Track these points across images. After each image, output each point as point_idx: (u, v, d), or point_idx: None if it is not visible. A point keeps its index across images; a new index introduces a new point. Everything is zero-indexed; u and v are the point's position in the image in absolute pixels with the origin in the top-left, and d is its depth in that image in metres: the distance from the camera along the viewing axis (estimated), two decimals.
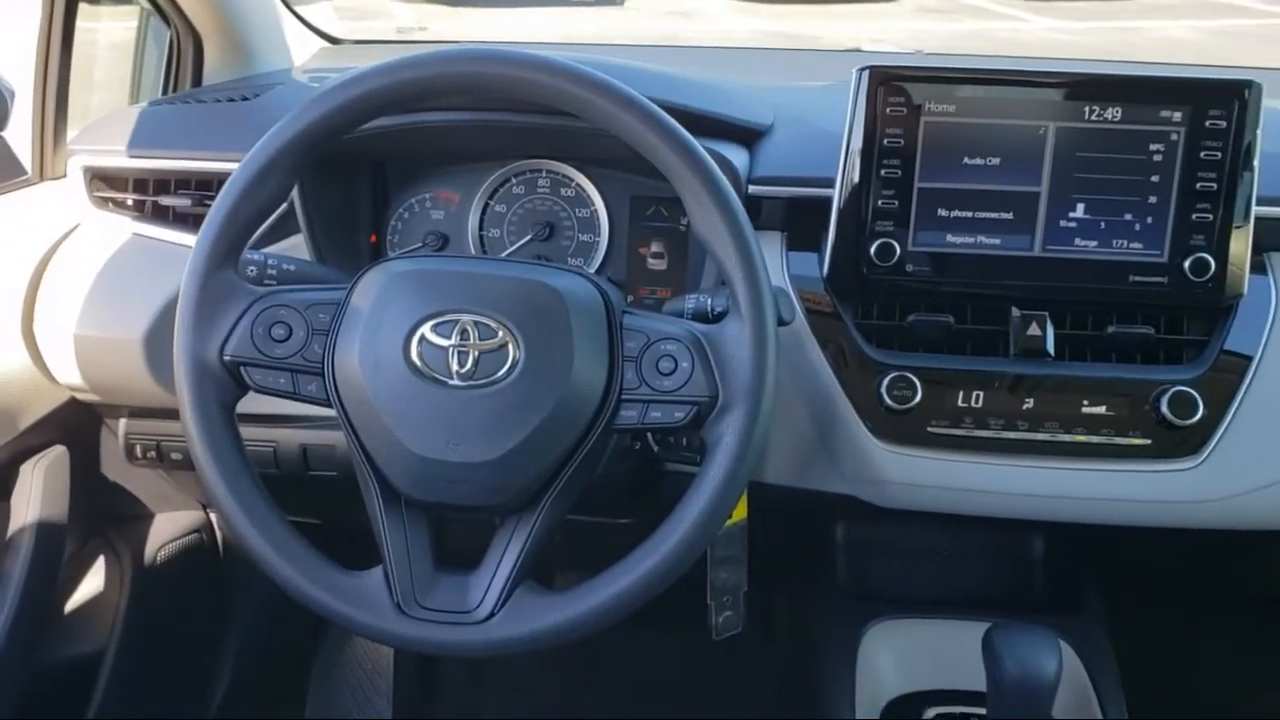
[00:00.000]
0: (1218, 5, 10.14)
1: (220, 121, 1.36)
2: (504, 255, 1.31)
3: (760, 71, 1.67)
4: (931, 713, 1.30)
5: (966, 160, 1.10)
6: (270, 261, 1.05)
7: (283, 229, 1.24)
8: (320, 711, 1.84)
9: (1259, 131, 1.06)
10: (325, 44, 1.84)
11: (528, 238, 1.31)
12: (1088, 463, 1.11)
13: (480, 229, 1.32)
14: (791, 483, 1.19)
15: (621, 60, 1.13)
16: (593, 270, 1.30)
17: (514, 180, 1.31)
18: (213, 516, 1.63)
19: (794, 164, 1.20)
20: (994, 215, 1.11)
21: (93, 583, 1.44)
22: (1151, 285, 1.10)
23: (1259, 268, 1.13)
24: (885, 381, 1.10)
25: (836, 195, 1.12)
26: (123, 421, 1.35)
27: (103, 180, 1.33)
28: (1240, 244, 1.08)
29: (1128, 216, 1.09)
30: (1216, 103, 1.06)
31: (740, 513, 1.17)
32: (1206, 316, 1.12)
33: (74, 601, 1.41)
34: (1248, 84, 1.06)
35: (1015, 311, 1.11)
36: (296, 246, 1.25)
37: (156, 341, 1.22)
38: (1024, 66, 1.19)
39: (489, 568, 0.92)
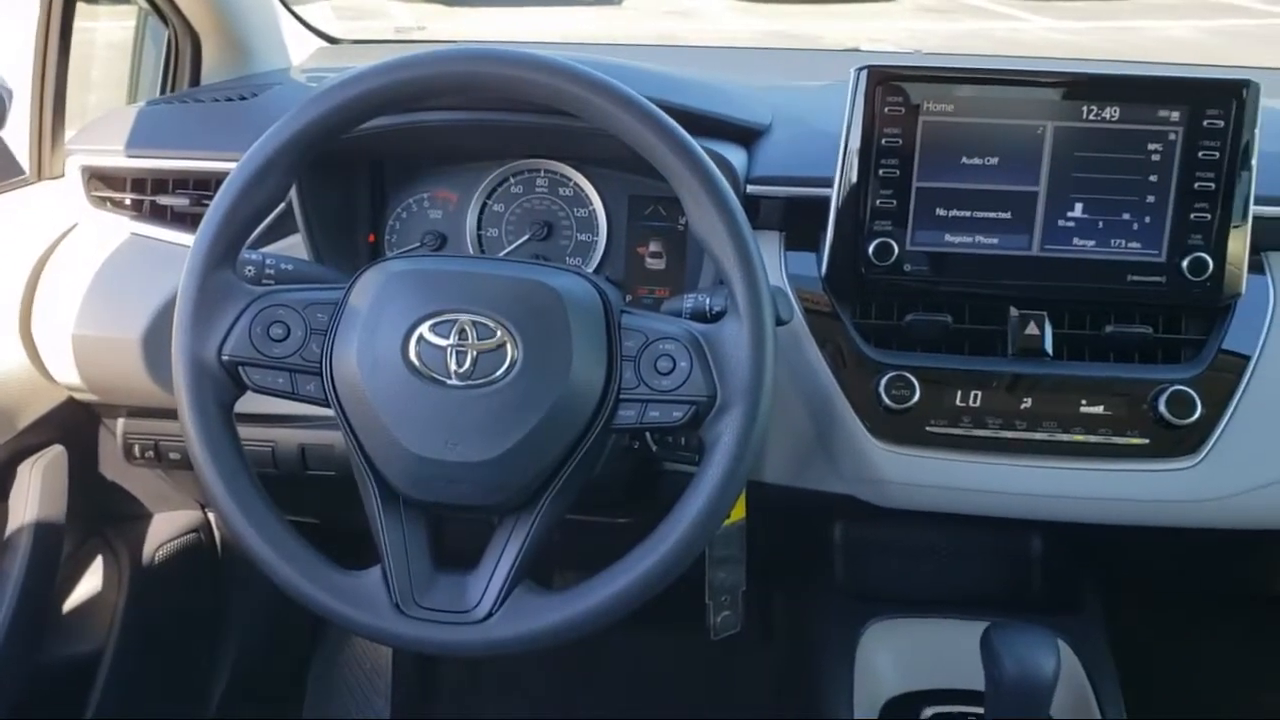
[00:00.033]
0: (1217, 5, 10.15)
1: (218, 121, 1.36)
2: (502, 255, 1.31)
3: (758, 71, 1.67)
4: (929, 712, 1.30)
5: (965, 160, 1.10)
6: (268, 261, 1.05)
7: (281, 229, 1.24)
8: (319, 711, 1.84)
9: (1257, 131, 1.07)
10: (323, 43, 1.84)
11: (526, 237, 1.31)
12: (1086, 462, 1.11)
13: (478, 228, 1.32)
14: (790, 482, 1.19)
15: (620, 60, 1.13)
16: (591, 270, 1.30)
17: (512, 180, 1.31)
18: (211, 516, 1.63)
19: (792, 164, 1.20)
20: (992, 215, 1.11)
21: (91, 582, 1.44)
22: (1149, 285, 1.10)
23: (1257, 267, 1.13)
24: (883, 381, 1.10)
25: (835, 195, 1.12)
26: (121, 421, 1.35)
27: (101, 180, 1.33)
28: (1238, 243, 1.08)
29: (1126, 216, 1.09)
30: (1214, 102, 1.06)
31: (739, 512, 1.17)
32: (1204, 316, 1.12)
33: (72, 601, 1.41)
34: (1245, 84, 1.06)
35: (1013, 311, 1.11)
36: (294, 246, 1.25)
37: (155, 341, 1.22)
38: (1022, 66, 1.19)
39: (487, 567, 0.92)
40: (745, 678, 1.85)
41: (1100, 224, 1.10)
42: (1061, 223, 1.10)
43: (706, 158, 0.90)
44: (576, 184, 1.30)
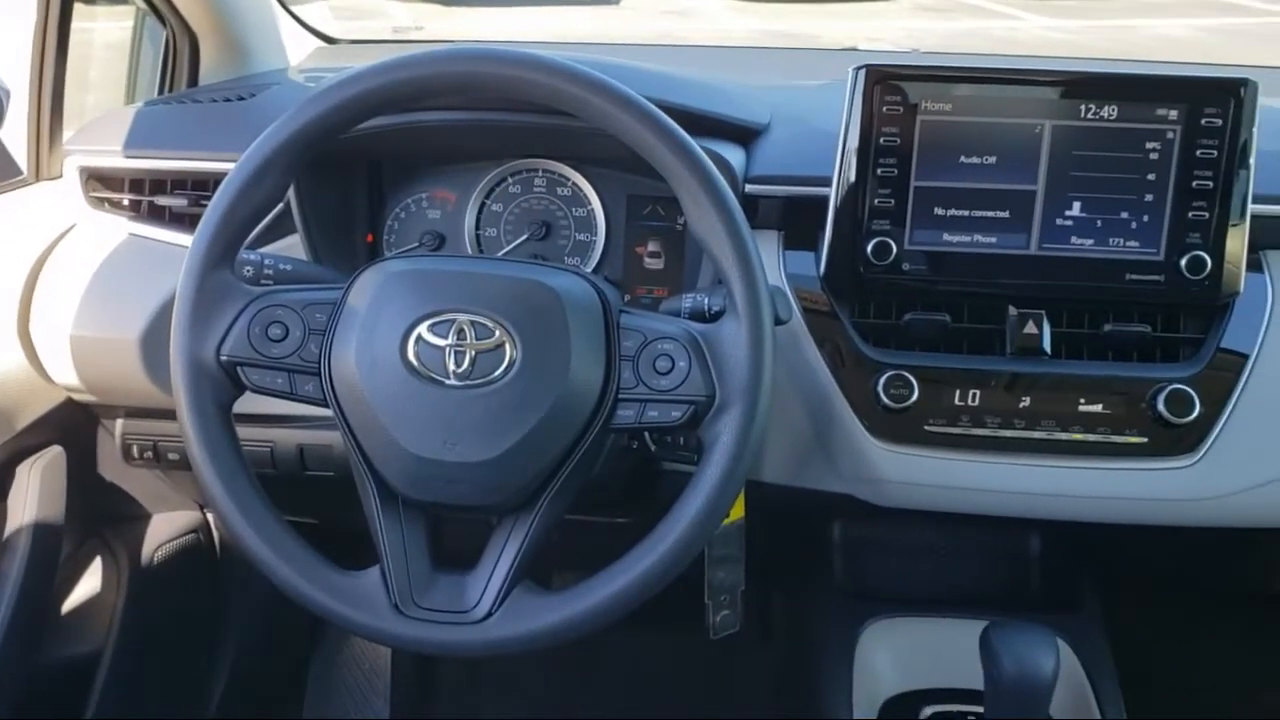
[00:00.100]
0: (1215, 4, 10.15)
1: (216, 121, 1.36)
2: (500, 255, 1.31)
3: (757, 71, 1.67)
4: (928, 711, 1.30)
5: (963, 159, 1.10)
6: (266, 261, 1.05)
7: (279, 229, 1.24)
8: (318, 712, 1.84)
9: (1255, 130, 1.07)
10: (321, 44, 1.84)
11: (524, 237, 1.31)
12: (1084, 461, 1.11)
13: (477, 228, 1.32)
14: (789, 482, 1.19)
15: (618, 59, 1.13)
16: (590, 270, 1.30)
17: (510, 180, 1.31)
18: (210, 517, 1.63)
19: (791, 163, 1.20)
20: (990, 214, 1.11)
21: (90, 583, 1.44)
22: (1148, 283, 1.10)
23: (1255, 265, 1.13)
24: (882, 380, 1.10)
25: (833, 194, 1.12)
26: (119, 422, 1.35)
27: (99, 180, 1.33)
28: (1236, 242, 1.08)
29: (1124, 215, 1.10)
30: (1212, 101, 1.07)
31: (737, 512, 1.17)
32: (1203, 314, 1.12)
33: (71, 602, 1.41)
34: (1243, 82, 1.06)
35: (1012, 310, 1.11)
36: (293, 246, 1.25)
37: (153, 342, 1.22)
38: (1020, 65, 1.19)
39: (486, 567, 0.92)
40: (744, 677, 1.85)
41: (1098, 223, 1.10)
42: (1060, 221, 1.10)
43: (705, 157, 0.90)
44: (575, 184, 1.30)
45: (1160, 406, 1.08)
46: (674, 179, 0.91)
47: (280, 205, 1.03)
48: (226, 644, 1.67)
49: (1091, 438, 1.11)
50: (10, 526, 1.25)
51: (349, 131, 0.96)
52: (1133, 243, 1.10)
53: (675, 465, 1.19)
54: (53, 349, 1.26)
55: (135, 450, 1.35)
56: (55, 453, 1.31)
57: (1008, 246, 1.11)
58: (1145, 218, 1.09)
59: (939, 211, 1.11)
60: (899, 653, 1.37)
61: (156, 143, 1.32)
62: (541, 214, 1.31)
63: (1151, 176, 1.08)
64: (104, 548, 1.46)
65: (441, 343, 0.89)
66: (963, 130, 1.09)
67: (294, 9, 1.76)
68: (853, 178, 1.11)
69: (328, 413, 0.93)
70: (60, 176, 1.36)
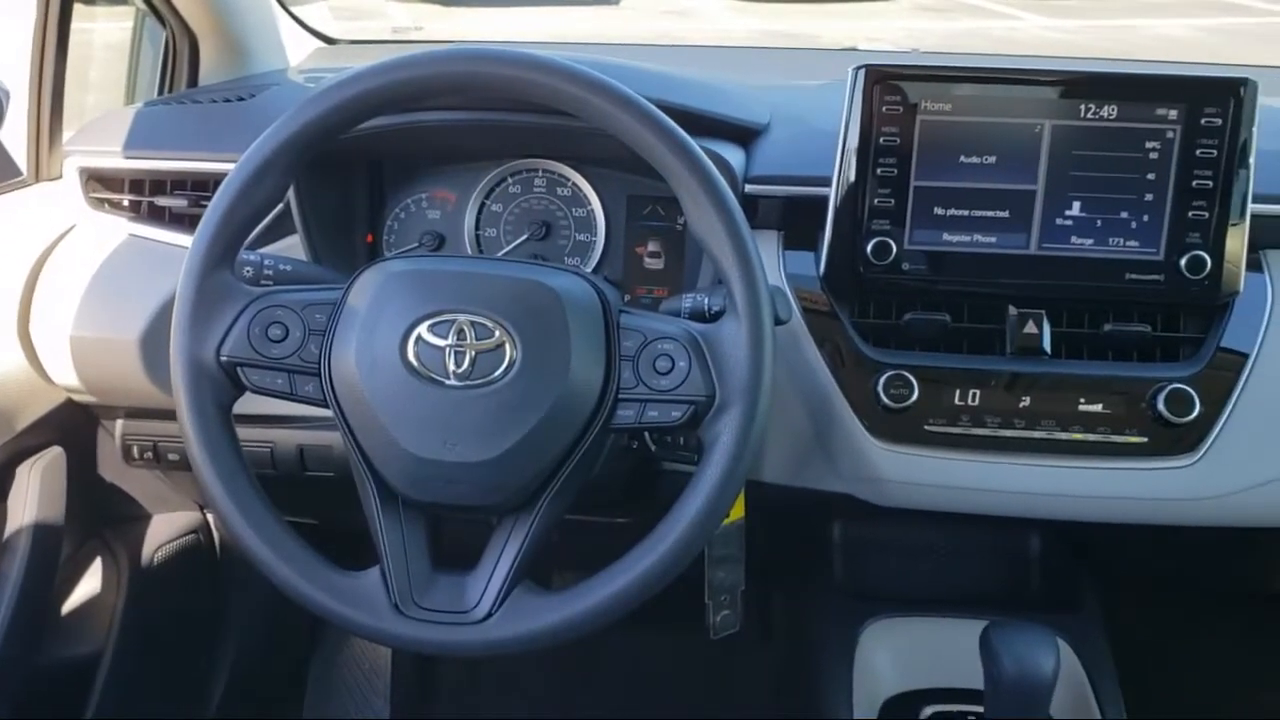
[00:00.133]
0: (1215, 3, 10.15)
1: (216, 122, 1.36)
2: (500, 255, 1.31)
3: (757, 71, 1.67)
4: (929, 711, 1.30)
5: (962, 159, 1.10)
6: (266, 262, 1.05)
7: (279, 229, 1.24)
8: (318, 712, 1.84)
9: (1255, 129, 1.07)
10: (321, 44, 1.84)
11: (524, 237, 1.31)
12: (1084, 460, 1.11)
13: (476, 229, 1.32)
14: (789, 481, 1.19)
15: (618, 60, 1.13)
16: (589, 270, 1.30)
17: (510, 180, 1.31)
18: (210, 517, 1.63)
19: (790, 163, 1.20)
20: (990, 214, 1.11)
21: (90, 584, 1.44)
22: (1148, 283, 1.10)
23: (1255, 265, 1.13)
24: (882, 380, 1.10)
25: (833, 194, 1.12)
26: (119, 422, 1.35)
27: (98, 181, 1.33)
28: (1236, 241, 1.08)
29: (1124, 214, 1.10)
30: (1212, 100, 1.07)
31: (737, 512, 1.17)
32: (1203, 314, 1.12)
33: (71, 602, 1.41)
34: (1243, 81, 1.06)
35: (1012, 310, 1.11)
36: (293, 247, 1.25)
37: (153, 342, 1.22)
38: (1020, 65, 1.19)
39: (486, 568, 0.92)
40: (744, 677, 1.85)
41: (1098, 222, 1.10)
42: (1059, 221, 1.10)
43: (705, 157, 0.90)
44: (575, 184, 1.30)
45: (1160, 406, 1.08)
46: (674, 179, 0.91)
47: (280, 206, 1.03)
48: (226, 644, 1.67)
49: (1091, 437, 1.11)
50: (10, 527, 1.25)
51: (349, 132, 0.96)
52: (1132, 242, 1.10)
53: (675, 465, 1.19)
54: (53, 350, 1.26)
55: (135, 451, 1.35)
56: (55, 453, 1.31)
57: (1007, 246, 1.11)
58: (1145, 217, 1.09)
59: (939, 211, 1.11)
60: (899, 652, 1.37)
61: (156, 143, 1.32)
62: (541, 214, 1.31)
63: (1151, 176, 1.08)
64: (104, 548, 1.46)
65: (441, 343, 0.89)
66: (962, 130, 1.09)
67: (293, 9, 1.76)
68: (852, 177, 1.11)
69: (328, 413, 0.93)
70: (60, 177, 1.36)
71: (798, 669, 1.62)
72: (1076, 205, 1.10)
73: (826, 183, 1.12)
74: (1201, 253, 1.08)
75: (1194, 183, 1.08)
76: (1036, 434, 1.11)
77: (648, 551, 0.88)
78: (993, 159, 1.10)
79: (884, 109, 1.09)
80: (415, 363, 0.89)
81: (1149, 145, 1.08)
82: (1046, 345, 1.09)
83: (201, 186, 1.29)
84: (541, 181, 1.31)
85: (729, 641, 1.22)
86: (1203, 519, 1.14)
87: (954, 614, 1.37)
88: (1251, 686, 1.67)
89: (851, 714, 1.32)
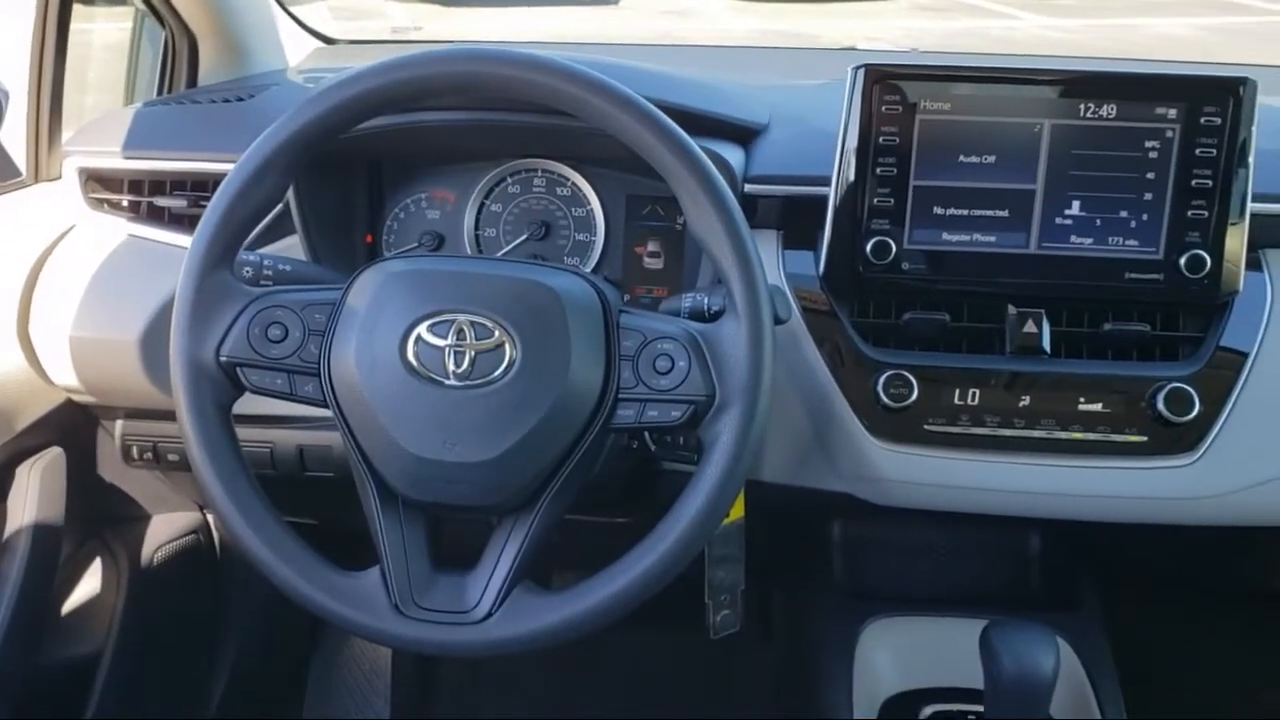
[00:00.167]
0: (1215, 2, 10.14)
1: (215, 122, 1.36)
2: (500, 255, 1.31)
3: (756, 70, 1.67)
4: (928, 710, 1.30)
5: (962, 158, 1.10)
6: (266, 262, 1.05)
7: (278, 229, 1.24)
8: (318, 712, 1.84)
9: (1254, 128, 1.07)
10: (320, 44, 1.84)
11: (523, 237, 1.31)
12: (1084, 460, 1.11)
13: (476, 229, 1.32)
14: (788, 481, 1.19)
15: (617, 59, 1.13)
16: (589, 270, 1.30)
17: (510, 180, 1.31)
18: (209, 518, 1.63)
19: (790, 163, 1.20)
20: (989, 213, 1.11)
21: (90, 584, 1.44)
22: (1147, 282, 1.10)
23: (1254, 264, 1.13)
24: (881, 380, 1.10)
25: (832, 194, 1.12)
26: (119, 423, 1.35)
27: (98, 181, 1.33)
28: (1236, 241, 1.08)
29: (1123, 213, 1.10)
30: (1211, 99, 1.07)
31: (737, 511, 1.17)
32: (1202, 313, 1.12)
33: (71, 603, 1.41)
34: (1242, 81, 1.06)
35: (1011, 309, 1.11)
36: (292, 247, 1.25)
37: (152, 343, 1.22)
38: (1019, 64, 1.19)
39: (486, 568, 0.92)
40: (744, 677, 1.85)
41: (1098, 222, 1.10)
42: (1059, 220, 1.10)
43: (704, 157, 0.90)
44: (574, 184, 1.30)
45: (1160, 405, 1.08)
46: (673, 179, 0.91)
47: (279, 206, 1.03)
48: (226, 644, 1.67)
49: (1091, 436, 1.11)
50: (10, 528, 1.25)
51: (349, 132, 0.96)
52: (1132, 241, 1.10)
53: (675, 465, 1.19)
54: (52, 350, 1.26)
55: (135, 451, 1.35)
56: (55, 454, 1.31)
57: (1007, 245, 1.11)
58: (1144, 216, 1.09)
59: (938, 211, 1.11)
60: (899, 652, 1.37)
61: (156, 144, 1.32)
62: (541, 214, 1.31)
63: (1151, 175, 1.08)
64: (104, 549, 1.46)
65: (441, 343, 0.89)
66: (962, 129, 1.09)
67: (293, 9, 1.76)
68: (852, 177, 1.11)
69: (327, 413, 0.93)
70: (59, 177, 1.36)
71: (798, 668, 1.62)
72: (1076, 204, 1.10)
73: (826, 182, 1.12)
74: (1201, 252, 1.08)
75: (1193, 182, 1.08)
76: (1036, 433, 1.11)
77: (648, 551, 0.88)
78: (992, 158, 1.10)
79: (883, 108, 1.09)
80: (415, 363, 0.89)
81: (1148, 144, 1.08)
82: (1046, 344, 1.09)
83: (201, 187, 1.29)
84: (541, 181, 1.31)
85: (729, 641, 1.22)
86: (1202, 518, 1.14)
87: (954, 613, 1.37)
88: (1251, 685, 1.67)
89: (851, 713, 1.32)
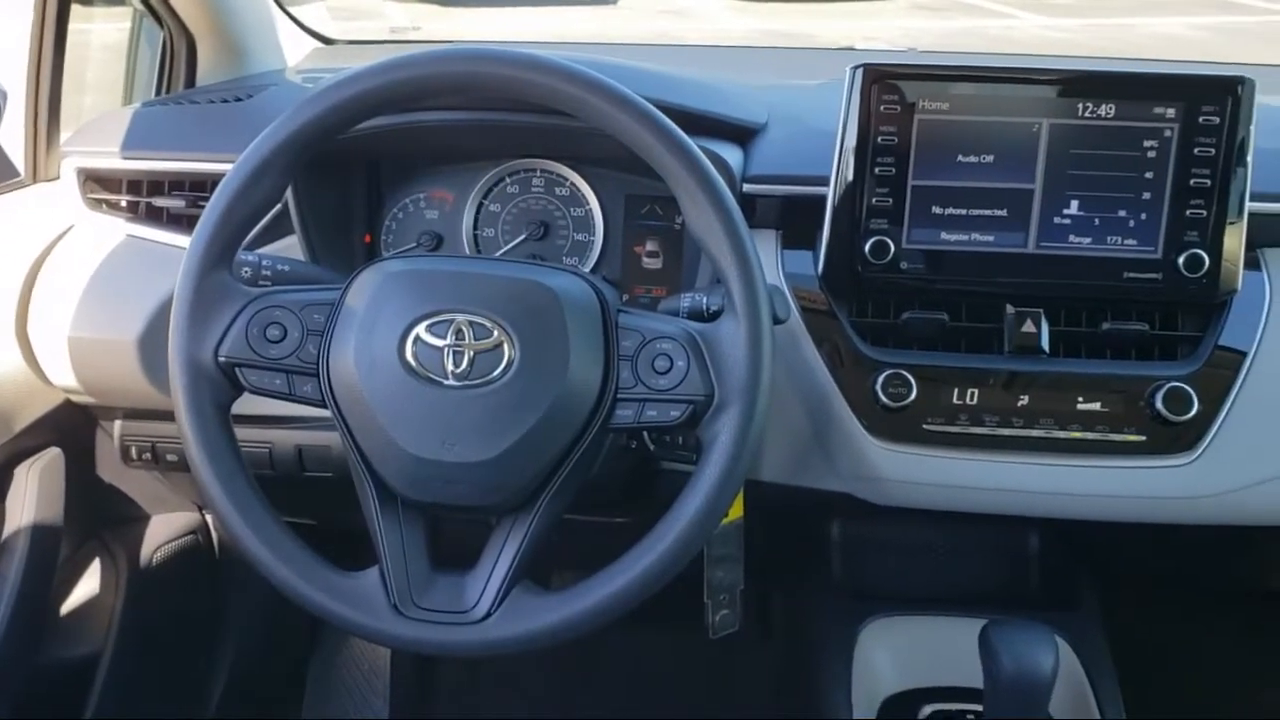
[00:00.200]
0: (1214, 2, 10.15)
1: (214, 122, 1.36)
2: (498, 255, 1.31)
3: (754, 70, 1.67)
4: (928, 710, 1.30)
5: (960, 158, 1.10)
6: (264, 262, 1.05)
7: (277, 229, 1.24)
8: (317, 712, 1.84)
9: (1252, 127, 1.07)
10: (319, 44, 1.84)
11: (522, 237, 1.31)
12: (1083, 459, 1.11)
13: (475, 228, 1.32)
14: (787, 481, 1.19)
15: (616, 59, 1.13)
16: (588, 269, 1.30)
17: (508, 180, 1.31)
18: (208, 518, 1.63)
19: (788, 162, 1.20)
20: (988, 212, 1.11)
21: (89, 585, 1.43)
22: (1146, 281, 1.10)
23: (1253, 263, 1.13)
24: (880, 379, 1.10)
25: (831, 193, 1.12)
26: (118, 423, 1.35)
27: (96, 182, 1.33)
28: (1234, 240, 1.08)
29: (1122, 213, 1.10)
30: (1210, 99, 1.07)
31: (736, 511, 1.17)
32: (1201, 312, 1.12)
33: (70, 603, 1.41)
34: (1240, 80, 1.06)
35: (1010, 308, 1.11)
36: (291, 247, 1.25)
37: (151, 343, 1.22)
38: (1017, 64, 1.19)
39: (485, 568, 0.92)
40: (744, 676, 1.85)
41: (1096, 221, 1.10)
42: (1057, 220, 1.10)
43: (703, 157, 0.90)
44: (573, 184, 1.30)
45: (1158, 404, 1.08)
46: (672, 179, 0.91)
47: (278, 206, 1.03)
48: (226, 645, 1.67)
49: (1090, 436, 1.11)
50: (9, 528, 1.25)
51: (347, 132, 0.96)
52: (1130, 241, 1.10)
53: (674, 465, 1.19)
54: (51, 350, 1.26)
55: (134, 452, 1.35)
56: (54, 454, 1.31)
57: (1006, 245, 1.11)
58: (1143, 216, 1.09)
59: (937, 210, 1.11)
60: (898, 651, 1.37)
61: (154, 144, 1.32)
62: (539, 214, 1.31)
63: (1149, 175, 1.08)
64: (103, 549, 1.46)
65: (440, 343, 0.89)
66: (960, 129, 1.09)
67: (291, 9, 1.76)
68: (850, 177, 1.11)
69: (326, 413, 0.93)
70: (58, 178, 1.36)
71: (797, 668, 1.62)
72: (1074, 204, 1.10)
73: (824, 182, 1.12)
74: (1199, 251, 1.08)
75: (1192, 181, 1.08)
76: (1035, 432, 1.11)
77: (647, 551, 0.88)
78: (990, 158, 1.10)
79: (882, 108, 1.09)
80: (413, 363, 0.89)
81: (1147, 144, 1.08)
82: (1045, 344, 1.09)
83: (199, 187, 1.29)
84: (540, 181, 1.31)
85: (728, 641, 1.22)
86: (1201, 517, 1.14)
87: (953, 613, 1.37)
88: (1250, 684, 1.67)
89: (851, 713, 1.32)
